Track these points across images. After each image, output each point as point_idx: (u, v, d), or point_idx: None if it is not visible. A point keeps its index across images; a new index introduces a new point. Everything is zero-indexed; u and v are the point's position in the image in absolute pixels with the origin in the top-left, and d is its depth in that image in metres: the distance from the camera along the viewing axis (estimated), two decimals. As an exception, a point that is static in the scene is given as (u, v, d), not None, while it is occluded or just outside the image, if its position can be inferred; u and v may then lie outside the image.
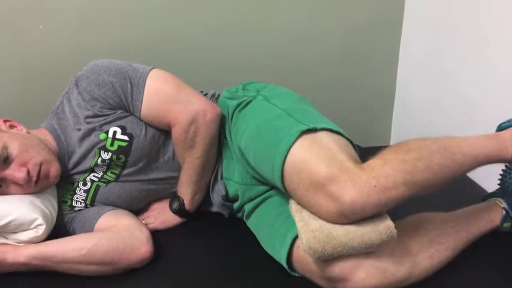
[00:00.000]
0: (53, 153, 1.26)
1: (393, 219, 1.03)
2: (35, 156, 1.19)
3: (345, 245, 1.00)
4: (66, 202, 1.32)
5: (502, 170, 1.24)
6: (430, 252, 1.12)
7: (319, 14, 1.85)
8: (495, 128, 1.25)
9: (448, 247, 1.14)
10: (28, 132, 1.28)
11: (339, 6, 1.86)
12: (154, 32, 1.73)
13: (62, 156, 1.30)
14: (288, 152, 1.07)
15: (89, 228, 1.27)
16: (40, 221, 1.17)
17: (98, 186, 1.32)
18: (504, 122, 1.24)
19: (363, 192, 0.98)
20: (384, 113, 2.08)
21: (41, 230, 1.18)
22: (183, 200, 1.36)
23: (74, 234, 1.28)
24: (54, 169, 1.22)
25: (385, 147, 1.11)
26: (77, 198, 1.32)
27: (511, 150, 1.15)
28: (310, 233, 1.02)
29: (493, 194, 1.32)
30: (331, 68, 1.95)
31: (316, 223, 1.03)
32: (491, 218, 1.24)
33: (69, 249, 1.16)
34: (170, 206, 1.38)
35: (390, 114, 2.09)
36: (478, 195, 1.38)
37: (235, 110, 1.30)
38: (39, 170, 1.19)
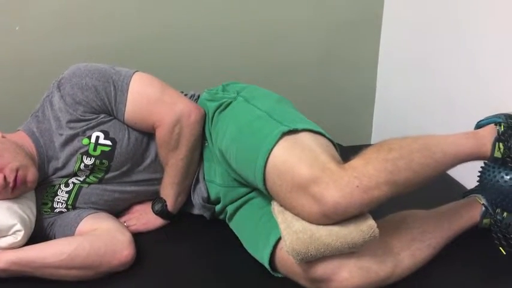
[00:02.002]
0: (30, 157, 1.24)
1: (375, 218, 1.04)
2: (11, 161, 1.17)
3: (328, 245, 1.00)
4: (47, 204, 1.30)
5: (481, 167, 1.26)
6: (412, 250, 1.13)
7: (298, 14, 1.85)
8: (474, 126, 1.27)
9: (429, 245, 1.16)
10: (3, 137, 1.26)
11: (318, 5, 1.86)
12: (134, 35, 1.71)
13: (41, 160, 1.28)
14: (269, 154, 1.07)
15: (69, 232, 1.25)
16: (18, 226, 1.16)
17: (80, 187, 1.31)
18: (482, 120, 1.26)
19: (345, 192, 0.99)
20: (365, 112, 2.10)
21: (19, 236, 1.16)
22: (165, 202, 1.35)
23: (54, 238, 1.26)
24: (31, 174, 1.21)
25: (366, 146, 1.12)
26: (59, 199, 1.31)
27: (489, 147, 1.17)
28: (293, 234, 1.02)
29: (473, 191, 1.33)
30: (311, 68, 1.96)
31: (299, 224, 1.03)
32: (471, 214, 1.25)
33: (49, 254, 1.15)
34: (152, 207, 1.37)
35: (371, 113, 2.10)
36: (457, 192, 1.40)
37: (215, 111, 1.30)
38: (16, 175, 1.17)
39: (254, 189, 1.27)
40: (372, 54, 1.99)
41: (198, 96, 1.41)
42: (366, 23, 1.94)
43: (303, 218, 1.04)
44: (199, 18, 1.76)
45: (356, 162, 1.05)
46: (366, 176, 1.01)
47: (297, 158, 1.05)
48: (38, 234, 1.23)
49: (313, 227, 1.02)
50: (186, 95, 1.41)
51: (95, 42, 1.68)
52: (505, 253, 1.20)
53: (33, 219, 1.23)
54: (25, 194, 1.24)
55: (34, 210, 1.25)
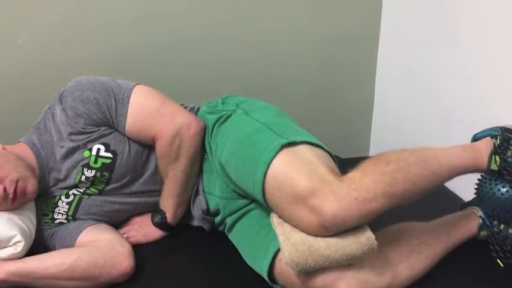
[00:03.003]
0: (30, 169, 1.25)
1: (373, 230, 1.04)
2: (11, 172, 1.18)
3: (327, 257, 1.01)
4: (47, 215, 1.31)
5: (478, 179, 1.26)
6: (410, 261, 1.13)
7: (296, 26, 1.87)
8: (471, 138, 1.28)
9: (427, 256, 1.16)
10: (4, 148, 1.27)
11: (315, 18, 1.87)
12: (134, 47, 1.73)
13: (41, 171, 1.29)
14: (268, 166, 1.08)
15: (69, 244, 1.26)
16: (19, 237, 1.16)
17: (80, 199, 1.32)
18: (479, 133, 1.27)
19: (344, 204, 0.99)
20: (363, 124, 2.10)
21: (19, 247, 1.16)
22: (165, 214, 1.35)
23: (54, 249, 1.27)
24: (31, 186, 1.21)
25: (364, 158, 1.13)
26: (59, 210, 1.31)
27: (486, 160, 1.18)
28: (292, 246, 1.03)
29: (470, 203, 1.34)
30: (309, 79, 1.97)
31: (298, 236, 1.04)
32: (469, 226, 1.26)
33: (49, 264, 1.15)
34: (152, 219, 1.37)
35: (369, 125, 2.11)
36: (455, 204, 1.41)
37: (215, 124, 1.31)
38: (16, 186, 1.17)
39: (253, 201, 1.27)
40: (369, 66, 2.00)
41: (198, 109, 1.43)
42: (363, 35, 1.95)
43: (302, 230, 1.04)
44: (201, 31, 1.77)
45: (354, 174, 1.06)
46: (364, 188, 1.02)
47: (295, 170, 1.06)
48: (38, 245, 1.24)
49: (312, 239, 1.02)
50: (186, 107, 1.42)
51: (96, 53, 1.69)
52: (502, 265, 1.20)
53: (33, 230, 1.23)
54: (25, 205, 1.25)
55: (34, 221, 1.25)
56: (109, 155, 1.29)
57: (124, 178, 1.32)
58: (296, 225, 1.06)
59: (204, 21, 1.77)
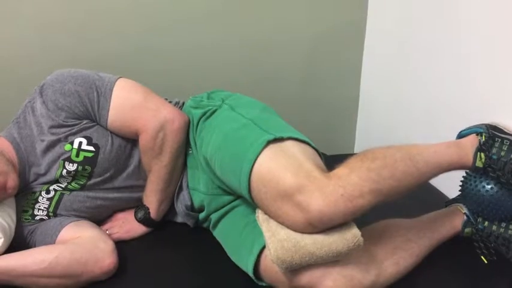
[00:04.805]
0: (10, 163, 1.22)
1: (358, 227, 1.04)
2: None
3: (312, 254, 1.00)
4: (27, 211, 1.28)
5: (463, 176, 1.27)
6: (395, 258, 1.13)
7: (281, 24, 1.86)
8: (456, 135, 1.29)
9: (412, 253, 1.16)
10: None
11: (300, 16, 1.87)
12: (118, 42, 1.70)
13: (21, 166, 1.26)
14: (254, 162, 1.07)
15: (50, 240, 1.23)
16: (-2, 234, 1.14)
17: (62, 194, 1.29)
18: (464, 130, 1.28)
19: (330, 201, 0.99)
20: (348, 121, 2.11)
21: (-1, 244, 1.14)
22: (148, 209, 1.34)
23: (35, 246, 1.24)
24: (12, 180, 1.19)
25: (349, 154, 1.13)
26: (39, 206, 1.29)
27: (471, 157, 1.19)
28: (277, 242, 1.02)
29: (455, 200, 1.35)
30: (295, 77, 1.96)
31: (284, 233, 1.03)
32: (453, 224, 1.27)
33: (30, 262, 1.13)
34: (135, 215, 1.36)
35: (354, 122, 2.11)
36: (440, 201, 1.41)
37: (200, 119, 1.30)
38: None
39: (238, 197, 1.26)
40: (355, 63, 2.00)
41: (183, 104, 1.41)
42: (349, 32, 1.95)
43: (288, 227, 1.04)
44: (185, 28, 1.75)
45: (340, 171, 1.05)
46: (350, 184, 1.01)
47: (282, 166, 1.05)
48: (17, 242, 1.22)
49: (298, 236, 1.02)
50: (170, 102, 1.40)
51: (80, 50, 1.66)
52: (486, 262, 1.21)
53: (13, 226, 1.21)
54: (5, 201, 1.22)
55: (14, 218, 1.23)
56: (91, 148, 1.27)
57: (107, 172, 1.30)
58: (282, 222, 1.05)
59: (188, 17, 1.75)
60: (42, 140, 1.26)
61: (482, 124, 1.26)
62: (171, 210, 1.38)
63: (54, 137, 1.25)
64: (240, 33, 1.83)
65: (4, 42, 1.60)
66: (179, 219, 1.39)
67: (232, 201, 1.29)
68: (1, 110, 1.44)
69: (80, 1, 1.63)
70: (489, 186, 1.20)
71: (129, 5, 1.68)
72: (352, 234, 1.02)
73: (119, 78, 1.30)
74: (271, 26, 1.85)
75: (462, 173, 1.26)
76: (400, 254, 1.14)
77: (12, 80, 1.63)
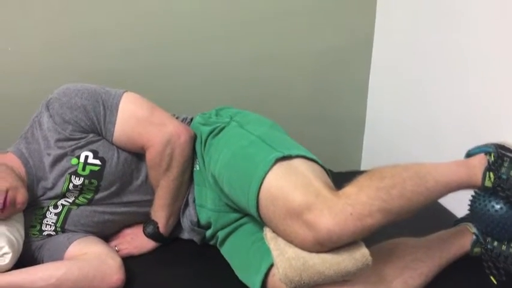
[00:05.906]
0: (19, 179, 1.23)
1: (367, 246, 1.03)
2: (0, 182, 1.16)
3: (321, 273, 1.00)
4: (35, 227, 1.29)
5: (472, 195, 1.26)
6: (404, 278, 1.12)
7: (289, 42, 1.87)
8: (463, 154, 1.28)
9: (421, 273, 1.15)
10: None
11: (307, 33, 1.88)
12: (125, 56, 1.71)
13: (30, 181, 1.27)
14: (263, 180, 1.07)
15: (58, 257, 1.23)
16: (6, 249, 1.14)
17: (69, 209, 1.29)
18: (473, 149, 1.27)
19: (339, 220, 0.98)
20: (355, 138, 2.10)
21: (7, 259, 1.14)
22: (157, 224, 1.34)
23: (43, 262, 1.24)
24: (21, 196, 1.19)
25: (356, 172, 1.12)
26: (47, 221, 1.29)
27: (480, 177, 1.18)
28: (286, 261, 1.01)
29: (463, 219, 1.34)
30: (302, 94, 1.97)
31: (292, 251, 1.02)
32: (462, 243, 1.26)
33: (37, 278, 1.13)
34: (144, 230, 1.36)
35: (361, 138, 2.11)
36: (448, 220, 1.41)
37: (208, 136, 1.30)
38: (5, 197, 1.15)
39: (246, 214, 1.26)
40: (362, 80, 2.01)
41: (191, 119, 1.42)
42: (356, 50, 1.96)
43: (296, 245, 1.03)
44: (190, 43, 1.77)
45: (349, 189, 1.05)
46: (359, 203, 1.01)
47: (290, 184, 1.05)
48: (25, 258, 1.21)
49: (306, 255, 1.01)
50: (177, 118, 1.41)
51: (86, 63, 1.68)
52: (495, 282, 1.20)
53: (21, 241, 1.21)
54: (13, 215, 1.22)
55: (22, 233, 1.23)
56: (97, 162, 1.27)
57: (113, 186, 1.30)
58: (290, 241, 1.04)
59: (196, 34, 1.76)
60: (49, 154, 1.26)
61: (491, 144, 1.25)
62: (177, 226, 1.38)
63: (60, 151, 1.26)
64: (248, 50, 1.84)
65: (12, 57, 1.61)
66: (185, 235, 1.38)
67: (239, 219, 1.28)
68: (9, 125, 1.46)
69: (88, 17, 1.65)
70: (498, 206, 1.20)
71: (137, 21, 1.70)
72: (361, 254, 1.01)
73: (125, 92, 1.30)
74: (279, 43, 1.86)
75: (471, 192, 1.25)
76: (409, 273, 1.14)
77: (20, 94, 1.64)
